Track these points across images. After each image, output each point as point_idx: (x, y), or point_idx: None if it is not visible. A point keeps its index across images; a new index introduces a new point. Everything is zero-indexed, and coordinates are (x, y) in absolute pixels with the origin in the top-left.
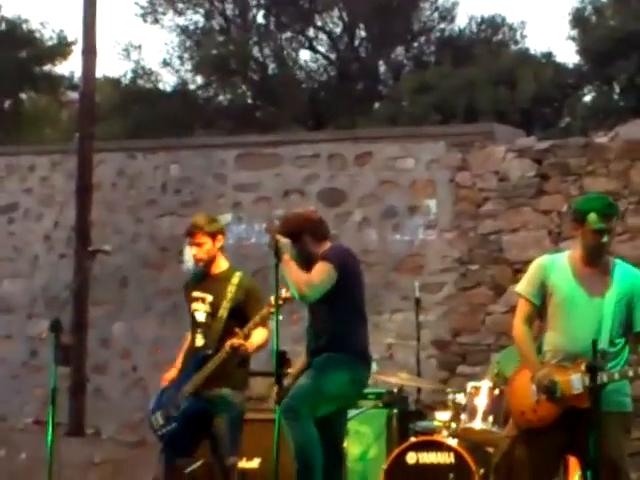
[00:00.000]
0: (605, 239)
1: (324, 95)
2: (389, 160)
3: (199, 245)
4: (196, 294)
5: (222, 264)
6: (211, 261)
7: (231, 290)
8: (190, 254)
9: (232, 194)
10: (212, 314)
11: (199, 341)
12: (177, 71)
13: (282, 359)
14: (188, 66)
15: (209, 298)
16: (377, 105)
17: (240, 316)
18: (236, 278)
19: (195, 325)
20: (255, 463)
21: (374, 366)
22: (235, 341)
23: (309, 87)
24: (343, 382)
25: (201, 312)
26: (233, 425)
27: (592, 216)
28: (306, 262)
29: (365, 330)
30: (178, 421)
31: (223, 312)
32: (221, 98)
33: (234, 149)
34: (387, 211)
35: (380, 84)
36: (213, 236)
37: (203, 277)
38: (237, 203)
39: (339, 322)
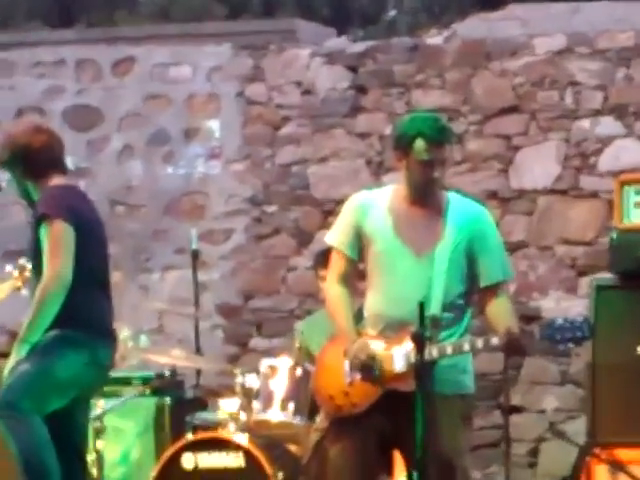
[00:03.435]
0: (436, 174)
1: None
2: (158, 68)
3: None
4: None
5: None
6: None
7: None
8: None
9: None
10: None
11: None
12: None
13: None
14: None
15: None
16: None
17: None
18: None
19: None
20: None
21: (144, 340)
22: None
23: None
24: (77, 365)
25: None
26: None
27: (419, 143)
28: (28, 200)
29: (106, 299)
30: None
31: None
32: None
33: None
34: (156, 136)
35: None
36: None
37: None
38: None
39: (71, 291)
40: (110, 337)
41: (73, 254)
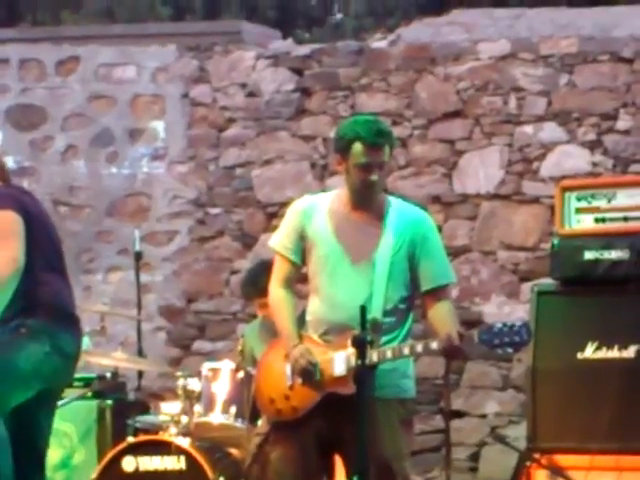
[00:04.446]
0: (374, 177)
1: None
2: (102, 68)
3: None
4: None
5: None
6: None
7: None
8: None
9: None
10: None
11: None
12: None
13: None
14: None
15: None
16: None
17: None
18: None
19: None
20: None
21: (86, 342)
22: None
23: None
24: (38, 355)
25: None
26: None
27: (357, 147)
28: None
29: (66, 286)
30: None
31: None
32: None
33: None
34: (100, 136)
35: None
36: None
37: None
38: None
39: (28, 279)
40: (73, 324)
41: (24, 242)
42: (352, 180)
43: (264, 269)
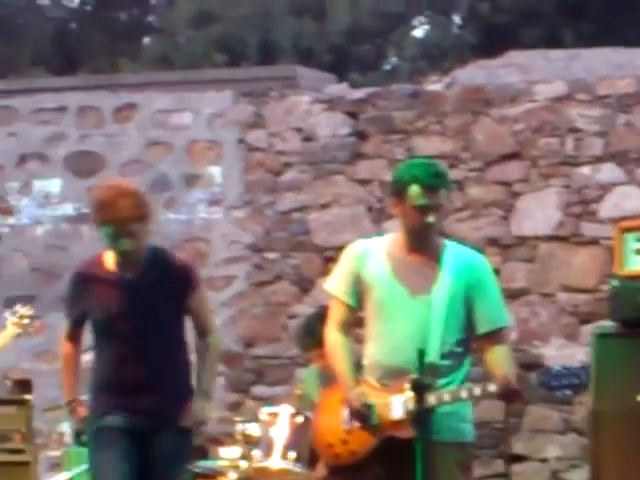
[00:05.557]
0: (431, 219)
1: (76, 28)
2: (159, 114)
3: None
4: None
5: None
6: None
7: None
8: None
9: None
10: None
11: None
12: None
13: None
14: None
15: None
16: (146, 41)
17: None
18: None
19: None
20: None
21: None
22: None
23: (55, 17)
24: None
25: None
26: None
27: (414, 189)
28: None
29: None
30: None
31: None
32: None
33: None
34: (157, 182)
35: (150, 14)
36: None
37: None
38: None
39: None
40: None
41: None
42: (409, 222)
43: (318, 320)
